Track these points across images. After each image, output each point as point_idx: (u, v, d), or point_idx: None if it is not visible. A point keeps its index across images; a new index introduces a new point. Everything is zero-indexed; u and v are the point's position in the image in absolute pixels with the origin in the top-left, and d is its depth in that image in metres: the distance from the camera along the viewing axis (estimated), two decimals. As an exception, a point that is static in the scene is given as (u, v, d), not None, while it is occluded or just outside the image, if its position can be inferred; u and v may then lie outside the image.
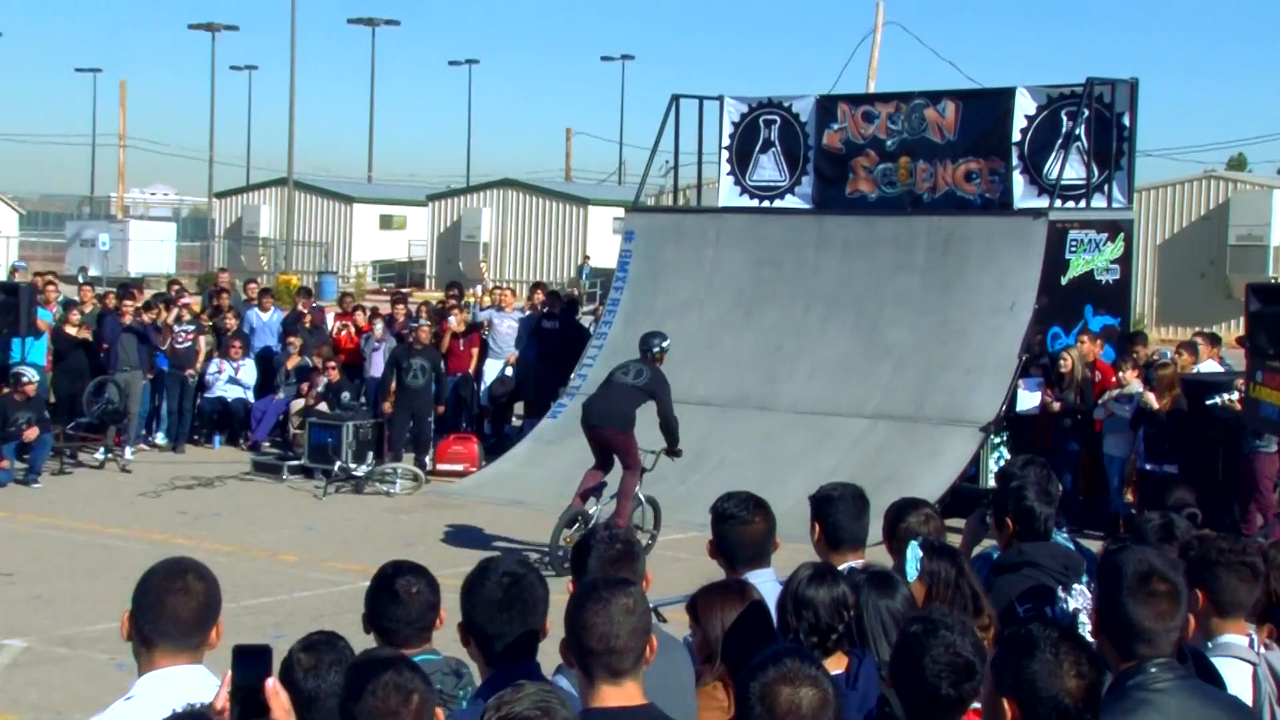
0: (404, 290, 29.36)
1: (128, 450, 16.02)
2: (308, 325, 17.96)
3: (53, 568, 11.04)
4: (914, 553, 4.34)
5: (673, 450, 11.44)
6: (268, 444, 17.05)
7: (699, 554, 5.82)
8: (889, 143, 15.43)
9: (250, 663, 2.50)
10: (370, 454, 14.97)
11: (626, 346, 15.65)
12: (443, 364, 15.96)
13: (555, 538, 11.01)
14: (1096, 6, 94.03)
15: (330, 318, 19.37)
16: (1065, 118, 14.42)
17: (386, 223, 53.62)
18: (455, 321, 17.03)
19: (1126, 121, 14.42)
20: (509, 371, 17.42)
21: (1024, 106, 14.60)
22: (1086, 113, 14.21)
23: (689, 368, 15.28)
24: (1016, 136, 14.59)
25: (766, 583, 4.42)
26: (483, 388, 17.42)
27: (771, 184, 16.28)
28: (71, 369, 16.51)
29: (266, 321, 18.36)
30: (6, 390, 14.62)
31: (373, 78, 70.97)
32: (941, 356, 13.86)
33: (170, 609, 3.27)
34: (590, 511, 11.14)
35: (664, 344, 11.60)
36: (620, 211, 32.66)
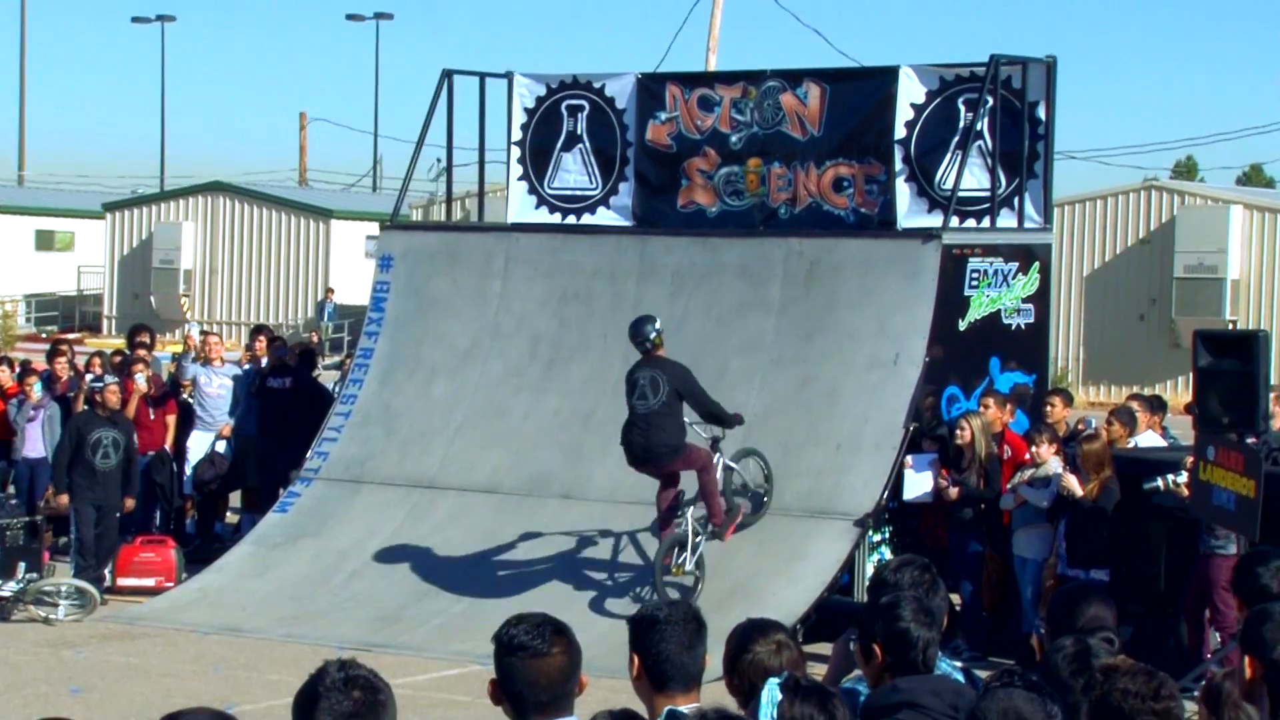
0: (69, 337, 28.72)
1: None
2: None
3: None
4: (770, 695, 4.43)
5: (732, 425, 13.40)
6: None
7: (479, 696, 5.74)
8: (734, 139, 15.72)
9: None
10: (22, 565, 14.60)
11: (382, 413, 15.66)
12: (134, 438, 15.70)
13: (659, 574, 12.94)
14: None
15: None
16: (963, 108, 14.86)
17: (46, 241, 52.36)
18: (143, 380, 16.75)
19: (1042, 114, 14.88)
20: (221, 448, 17.20)
21: (910, 92, 14.98)
22: (990, 101, 14.67)
23: (470, 442, 15.31)
24: (900, 132, 14.97)
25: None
26: (186, 471, 17.16)
27: (578, 192, 16.45)
28: None
29: None
30: None
31: (22, 40, 68.61)
32: (804, 427, 14.14)
33: None
34: (686, 529, 13.19)
35: (657, 327, 13.32)
36: (375, 228, 32.50)
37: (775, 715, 4.38)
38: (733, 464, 13.70)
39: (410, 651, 12.79)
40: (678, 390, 13.10)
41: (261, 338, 17.94)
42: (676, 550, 13.16)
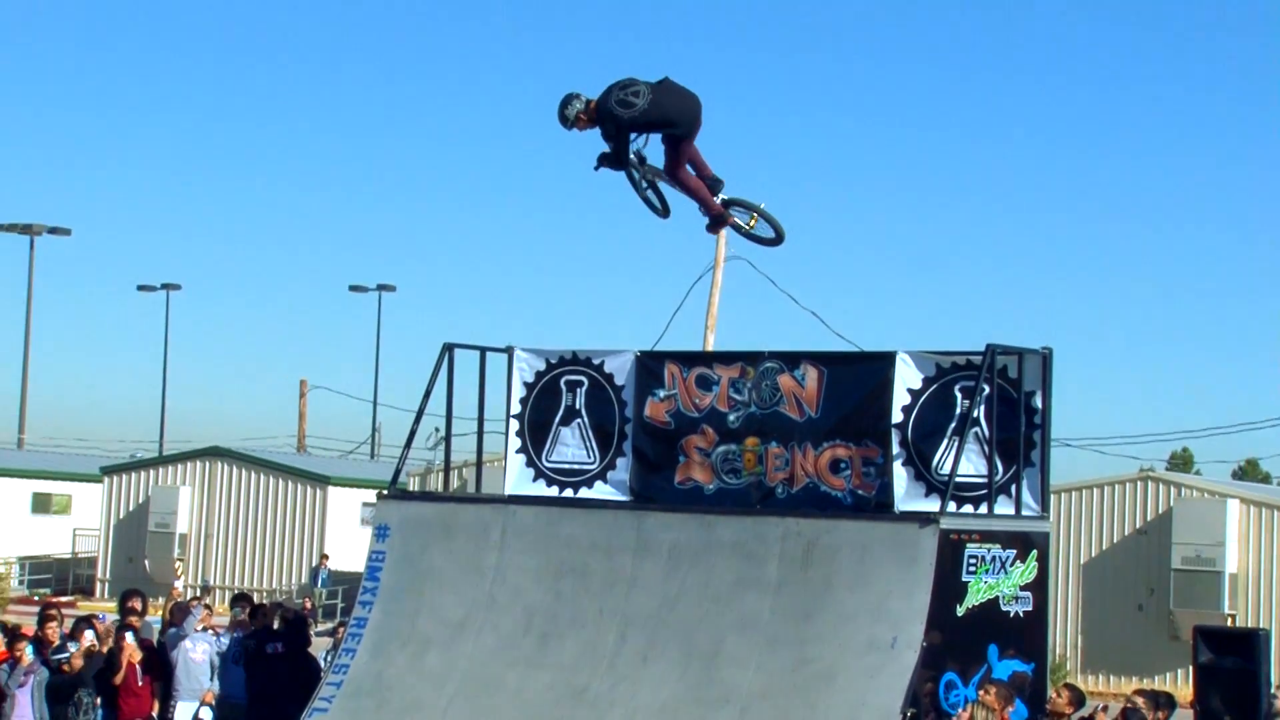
0: (62, 600, 28.54)
1: None
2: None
3: None
4: None
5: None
6: None
7: None
8: (732, 418, 15.84)
9: None
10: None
11: (374, 684, 15.49)
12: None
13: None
14: (1000, 254, 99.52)
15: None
16: (960, 395, 14.97)
17: (42, 504, 52.38)
18: (134, 643, 16.66)
19: (1038, 403, 14.98)
20: (206, 716, 17.01)
21: (906, 378, 15.14)
22: (987, 390, 14.81)
23: (462, 715, 15.12)
24: (898, 416, 15.08)
25: None
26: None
27: (576, 466, 16.51)
28: None
29: None
30: None
31: (29, 305, 69.71)
32: (800, 709, 13.99)
33: None
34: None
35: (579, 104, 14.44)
36: (372, 495, 32.54)
37: None
38: None
39: None
40: None
41: (245, 607, 17.92)
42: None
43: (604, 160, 15.20)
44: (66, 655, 15.87)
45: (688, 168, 15.40)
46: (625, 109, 14.51)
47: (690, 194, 15.58)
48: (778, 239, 16.03)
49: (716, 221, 15.87)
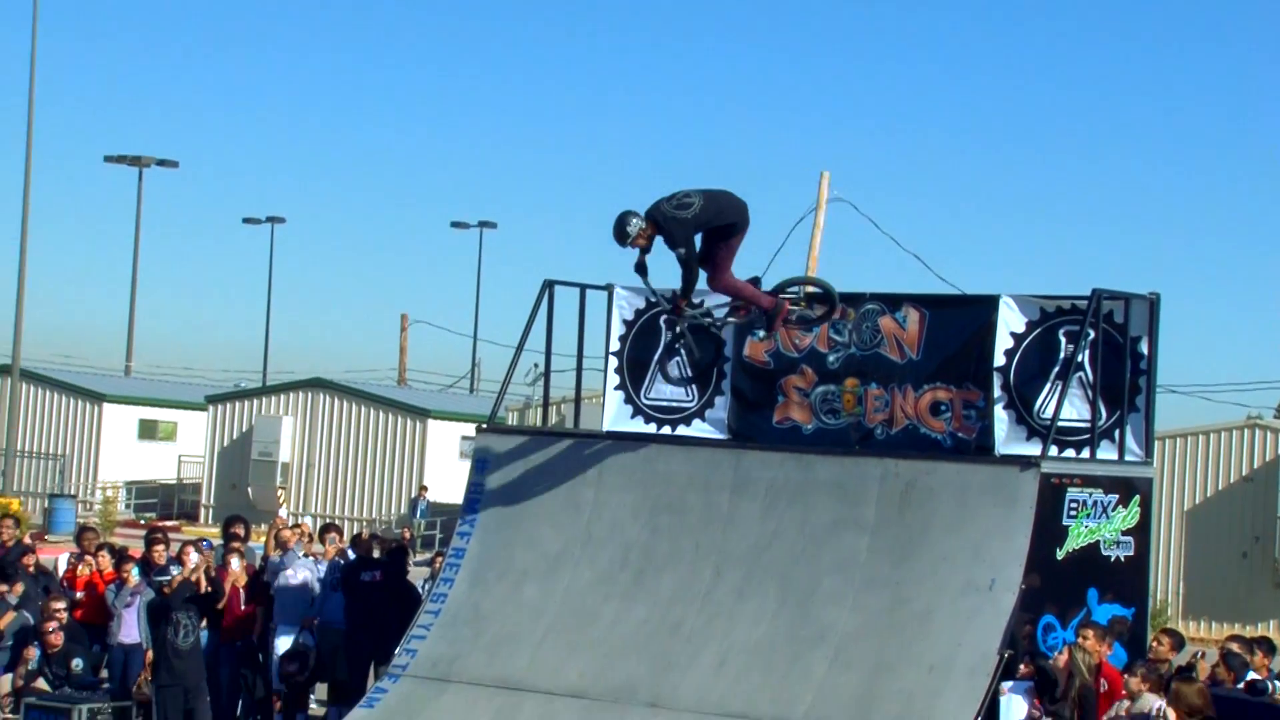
0: (167, 524, 29.07)
1: None
2: (31, 569, 17.76)
3: None
4: None
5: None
6: (-38, 733, 16.69)
7: None
8: (831, 359, 15.83)
9: None
10: (109, 750, 14.73)
11: (472, 613, 15.69)
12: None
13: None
14: (1107, 200, 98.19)
15: (62, 560, 19.18)
16: (1064, 339, 14.90)
17: (149, 430, 53.23)
18: (239, 568, 16.95)
19: (1144, 348, 14.89)
20: (306, 640, 17.29)
21: (1010, 322, 15.08)
22: (1092, 334, 14.69)
23: (558, 646, 15.29)
24: (1000, 360, 15.03)
25: None
26: (272, 662, 17.26)
27: (674, 404, 16.58)
28: None
29: (-29, 561, 18.12)
30: None
31: (137, 236, 70.42)
32: (896, 648, 14.04)
33: None
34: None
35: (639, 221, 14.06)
36: (471, 429, 32.80)
37: None
38: None
39: None
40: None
41: (339, 537, 18.20)
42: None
43: (642, 270, 14.65)
44: (170, 578, 16.19)
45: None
46: (684, 210, 14.20)
47: (741, 296, 14.90)
48: (830, 304, 15.14)
49: (774, 318, 14.94)
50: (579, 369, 17.59)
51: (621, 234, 14.08)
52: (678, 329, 14.99)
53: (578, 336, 17.32)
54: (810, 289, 15.24)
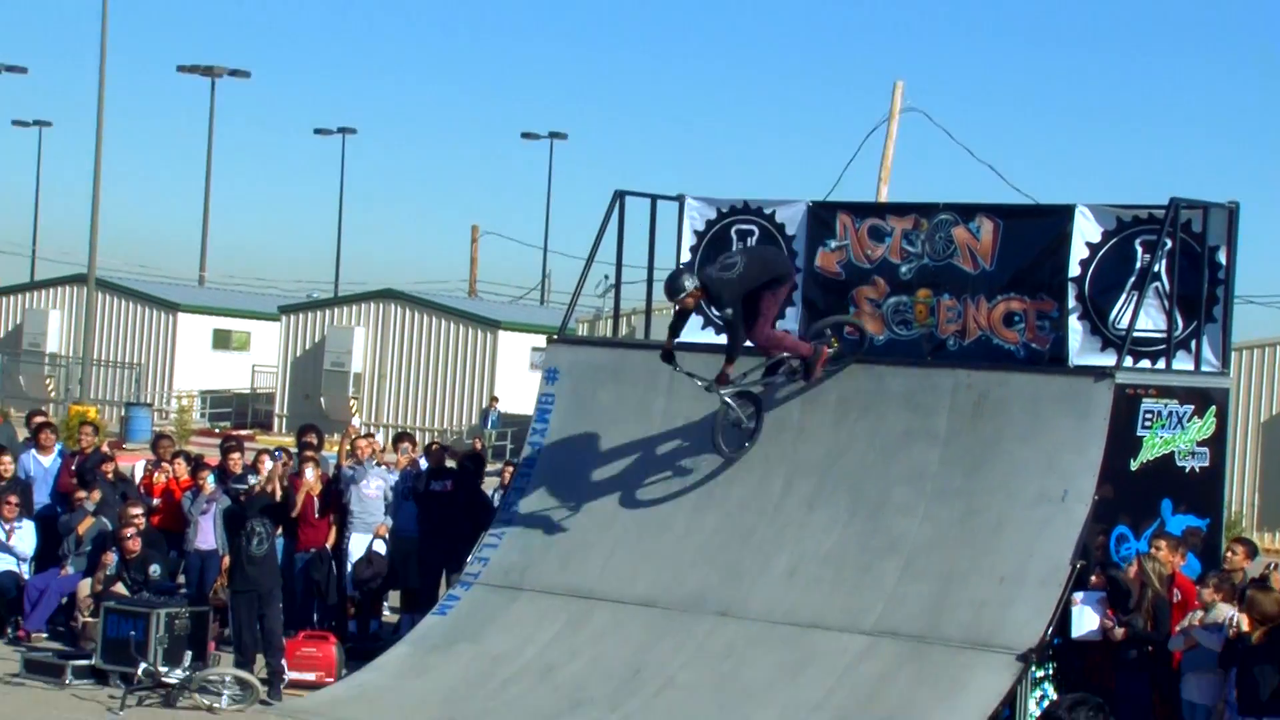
0: (243, 433, 29.35)
1: None
2: (110, 475, 17.95)
3: None
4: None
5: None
6: (46, 636, 16.88)
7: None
8: (904, 269, 15.74)
9: None
10: (189, 654, 14.89)
11: (543, 522, 15.79)
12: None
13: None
14: (1185, 108, 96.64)
15: (139, 467, 19.38)
16: (1140, 249, 14.75)
17: (222, 340, 53.66)
18: (313, 477, 17.08)
19: (1222, 258, 14.74)
20: (379, 548, 17.45)
21: (1086, 231, 14.92)
22: (1169, 244, 14.54)
23: (628, 556, 15.37)
24: (1075, 270, 14.90)
25: None
26: (346, 570, 17.43)
27: (746, 315, 16.50)
28: None
29: (49, 468, 18.33)
30: None
31: (210, 146, 70.72)
32: (968, 558, 14.03)
33: None
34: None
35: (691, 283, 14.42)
36: (542, 340, 32.86)
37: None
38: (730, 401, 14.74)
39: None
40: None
41: (411, 446, 18.31)
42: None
43: (669, 359, 14.93)
44: (246, 486, 16.35)
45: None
46: (729, 271, 14.41)
47: (782, 348, 14.96)
48: (861, 340, 15.30)
49: (813, 364, 14.94)
50: (649, 280, 17.57)
51: (673, 290, 14.49)
52: (722, 398, 14.90)
53: (648, 247, 17.30)
54: (843, 325, 15.40)
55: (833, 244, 15.99)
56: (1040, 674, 13.40)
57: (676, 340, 15.62)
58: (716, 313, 15.07)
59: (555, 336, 17.51)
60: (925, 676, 13.39)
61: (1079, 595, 13.47)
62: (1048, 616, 13.33)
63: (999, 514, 14.10)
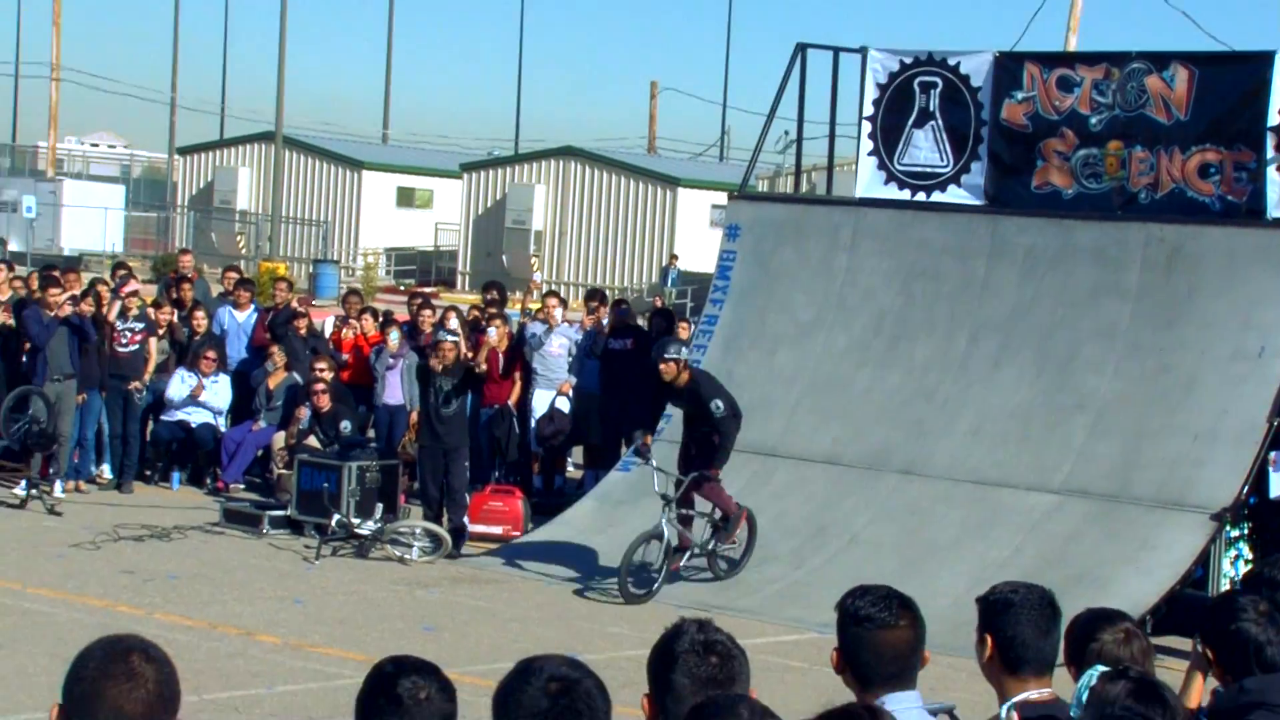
0: (427, 290, 29.72)
1: (58, 486, 16.34)
2: (301, 331, 18.25)
3: (-46, 637, 11.30)
4: (1087, 680, 4.35)
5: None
6: (243, 487, 17.32)
7: (817, 664, 5.75)
8: (1094, 121, 15.38)
9: None
10: (380, 507, 15.19)
11: (725, 380, 15.77)
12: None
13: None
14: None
15: (328, 323, 19.68)
16: (1343, 96, 14.31)
17: (406, 198, 54.20)
18: (496, 336, 17.22)
19: None
20: (562, 405, 17.59)
21: (1286, 79, 14.52)
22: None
23: (811, 413, 15.35)
24: (1274, 119, 14.48)
25: (910, 711, 4.44)
26: (530, 426, 17.61)
27: (929, 169, 16.29)
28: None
29: (244, 324, 18.68)
30: None
31: (391, 6, 71.48)
32: (1159, 416, 13.81)
33: (111, 702, 3.36)
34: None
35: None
36: (722, 197, 32.75)
37: (1088, 696, 4.30)
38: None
39: (747, 615, 12.87)
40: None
41: (600, 305, 18.35)
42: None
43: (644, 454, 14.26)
44: (435, 343, 16.51)
45: None
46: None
47: (716, 501, 14.03)
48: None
49: (733, 524, 13.96)
50: (831, 135, 17.39)
51: (658, 353, 14.05)
52: (671, 503, 13.91)
53: (830, 102, 17.09)
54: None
55: (1019, 95, 15.65)
56: (1235, 534, 13.19)
57: (861, 196, 15.41)
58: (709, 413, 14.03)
59: (736, 193, 17.41)
60: (1115, 536, 13.26)
61: (1276, 455, 13.20)
62: (1243, 475, 13.10)
63: (1192, 371, 13.84)
